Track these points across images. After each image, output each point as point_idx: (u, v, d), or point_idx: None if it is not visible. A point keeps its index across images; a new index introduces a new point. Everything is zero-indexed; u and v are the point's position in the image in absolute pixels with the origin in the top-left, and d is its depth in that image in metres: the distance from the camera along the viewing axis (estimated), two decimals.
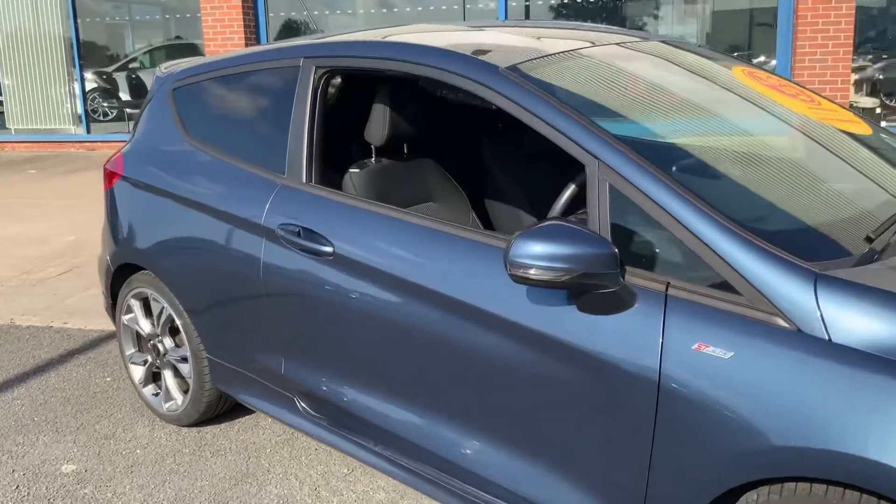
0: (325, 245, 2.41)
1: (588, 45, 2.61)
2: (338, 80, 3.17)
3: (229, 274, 2.73)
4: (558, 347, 1.90)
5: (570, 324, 1.88)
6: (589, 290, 1.84)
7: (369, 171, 2.75)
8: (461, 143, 3.41)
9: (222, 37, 10.16)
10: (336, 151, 2.99)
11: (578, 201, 2.41)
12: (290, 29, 10.95)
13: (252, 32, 10.35)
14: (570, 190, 2.34)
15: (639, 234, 1.90)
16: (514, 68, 2.22)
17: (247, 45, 10.20)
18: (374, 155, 2.81)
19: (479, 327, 2.06)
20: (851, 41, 8.15)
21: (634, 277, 1.85)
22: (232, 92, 2.93)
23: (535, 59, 2.34)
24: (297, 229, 2.49)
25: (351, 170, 2.73)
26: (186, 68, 3.18)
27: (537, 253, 1.79)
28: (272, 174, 2.67)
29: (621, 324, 1.81)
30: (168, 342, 3.18)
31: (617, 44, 2.69)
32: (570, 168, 3.41)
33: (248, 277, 2.65)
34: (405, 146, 2.91)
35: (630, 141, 1.99)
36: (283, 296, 2.56)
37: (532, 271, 1.79)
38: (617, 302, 1.84)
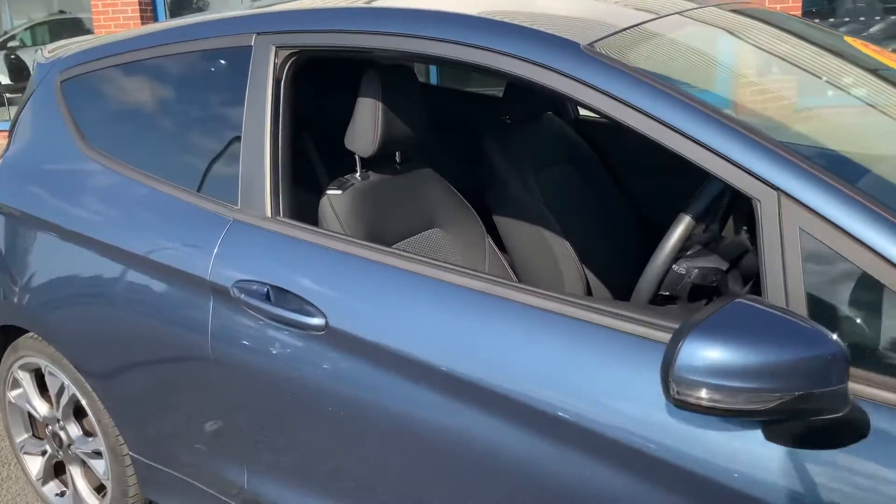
0: (311, 315, 1.62)
1: (656, 15, 1.88)
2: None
3: (160, 346, 1.90)
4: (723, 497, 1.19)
5: (748, 464, 1.17)
6: (795, 417, 1.12)
7: (355, 191, 1.96)
8: (462, 143, 2.64)
9: (113, 9, 8.95)
10: (307, 165, 2.19)
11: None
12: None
13: (148, 2, 9.17)
14: (683, 226, 1.62)
15: (857, 312, 1.20)
16: (591, 47, 1.48)
17: (143, 17, 9.02)
18: (359, 168, 2.02)
19: (581, 454, 1.33)
20: None
21: (858, 383, 1.15)
22: (150, 85, 2.07)
23: (615, 34, 1.60)
24: (265, 289, 1.69)
25: (329, 191, 1.94)
26: (79, 52, 2.27)
27: (720, 364, 1.07)
28: (220, 204, 1.85)
29: (851, 465, 1.12)
30: (74, 430, 2.32)
31: (699, 13, 1.97)
32: (603, 170, 2.73)
33: (190, 352, 1.84)
34: (398, 154, 2.12)
35: (818, 159, 1.28)
36: (246, 381, 1.75)
37: (712, 396, 1.07)
38: (835, 429, 1.14)
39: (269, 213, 1.77)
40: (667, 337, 1.24)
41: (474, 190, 2.92)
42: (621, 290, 2.58)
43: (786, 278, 1.20)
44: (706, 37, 1.83)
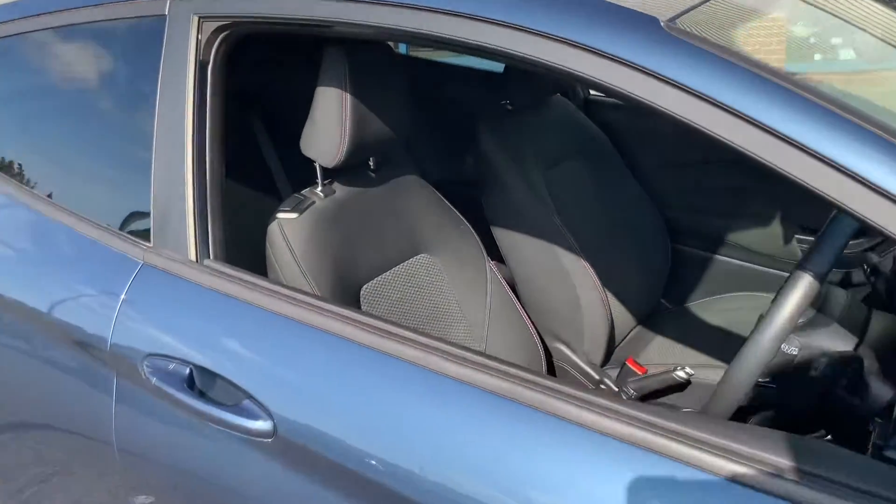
0: (253, 415, 1.12)
1: None
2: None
3: (50, 418, 1.40)
4: None
5: None
6: None
7: (315, 214, 1.45)
8: (447, 126, 2.13)
9: None
10: (248, 180, 1.67)
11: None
12: None
13: None
14: (801, 293, 1.11)
15: None
16: (673, 24, 0.98)
17: None
18: (319, 180, 1.50)
19: None
20: None
21: None
22: (28, 70, 1.51)
23: (693, 7, 1.09)
24: (187, 370, 1.18)
25: (280, 215, 1.42)
26: None
27: None
28: (125, 240, 1.33)
29: None
30: None
31: None
32: (622, 165, 2.23)
33: (86, 441, 1.33)
34: (371, 160, 1.61)
35: None
36: (161, 483, 1.26)
37: None
38: None
39: (192, 255, 1.25)
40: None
41: (462, 183, 2.42)
42: (643, 316, 2.11)
43: None
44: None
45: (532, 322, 1.77)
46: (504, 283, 1.74)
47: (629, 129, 2.26)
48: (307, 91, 1.43)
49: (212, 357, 1.16)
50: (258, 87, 2.00)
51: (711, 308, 2.12)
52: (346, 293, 1.45)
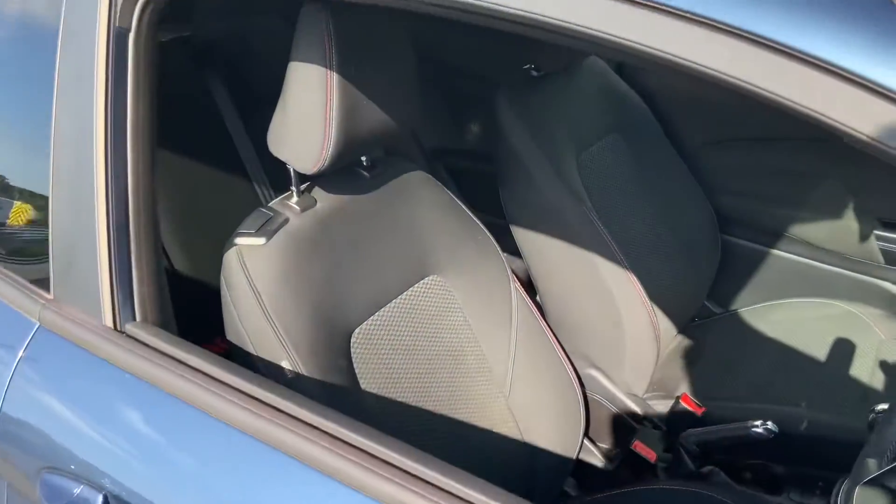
0: None
1: None
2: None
3: None
4: None
5: None
6: None
7: (288, 238, 1.05)
8: (458, 102, 1.72)
9: None
10: (204, 158, 1.28)
11: None
12: None
13: None
14: None
15: None
16: None
17: None
18: (294, 189, 1.10)
19: None
20: None
21: None
22: None
23: None
24: (99, 499, 0.80)
25: (241, 239, 1.03)
26: None
27: None
28: (18, 288, 0.93)
29: None
30: None
31: None
32: (666, 142, 1.82)
33: None
34: (365, 157, 1.20)
35: None
36: None
37: None
38: None
39: (108, 318, 0.86)
40: None
41: (466, 154, 2.02)
42: (686, 322, 1.75)
43: None
44: None
45: (561, 346, 1.41)
46: (532, 306, 1.37)
47: (673, 98, 1.86)
48: (284, 40, 1.02)
49: (133, 483, 0.78)
50: (217, 37, 1.58)
51: (769, 317, 1.76)
52: (331, 344, 1.07)
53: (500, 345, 1.29)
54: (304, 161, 1.02)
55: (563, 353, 1.38)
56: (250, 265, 1.01)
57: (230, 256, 1.02)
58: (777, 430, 1.24)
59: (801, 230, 1.81)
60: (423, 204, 1.26)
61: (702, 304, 1.87)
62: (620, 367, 1.52)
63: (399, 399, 1.15)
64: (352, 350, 1.10)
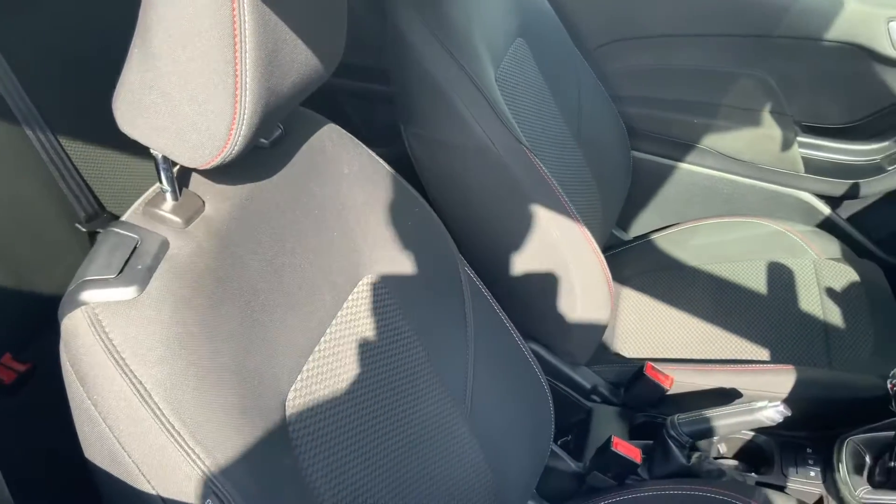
0: None
1: None
2: None
3: None
4: None
5: None
6: None
7: (173, 278, 0.62)
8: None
9: None
10: None
11: None
12: None
13: None
14: None
15: None
16: None
17: None
18: (169, 189, 0.65)
19: None
20: None
21: None
22: None
23: None
24: None
25: (90, 293, 0.59)
26: None
27: None
28: None
29: None
30: None
31: None
32: (577, 53, 1.47)
33: None
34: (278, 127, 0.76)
35: None
36: None
37: None
38: None
39: None
40: None
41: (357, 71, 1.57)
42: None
43: None
44: None
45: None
46: (486, 291, 1.03)
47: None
48: None
49: None
50: None
51: (689, 242, 1.56)
52: (265, 431, 0.67)
53: (456, 354, 0.95)
54: (199, 150, 0.58)
55: (523, 342, 1.06)
56: (116, 338, 0.58)
57: (75, 324, 0.58)
58: (790, 413, 1.03)
59: (715, 140, 1.59)
60: (347, 177, 0.85)
61: (610, 234, 1.63)
62: (567, 335, 1.23)
63: (353, 476, 0.78)
64: (290, 430, 0.71)
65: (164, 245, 0.63)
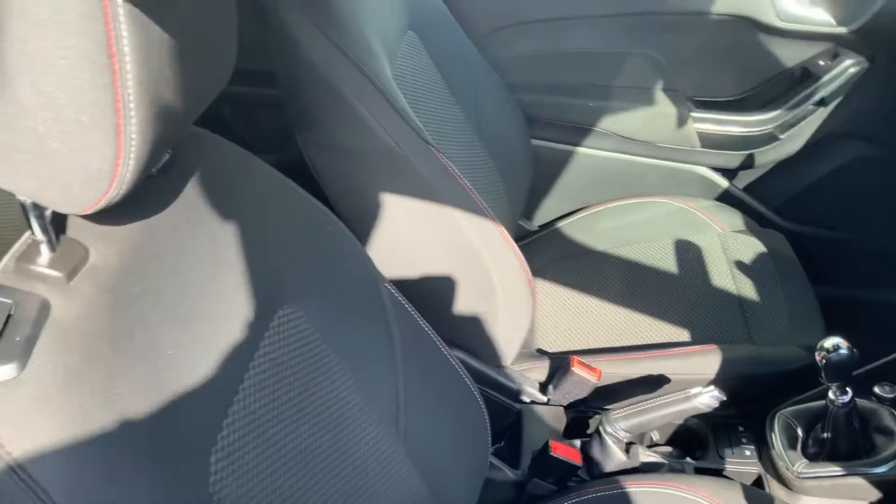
0: None
1: None
2: None
3: None
4: None
5: None
6: None
7: (59, 349, 0.52)
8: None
9: None
10: None
11: None
12: None
13: None
14: None
15: None
16: None
17: None
18: (45, 240, 0.55)
19: None
20: None
21: None
22: None
23: None
24: None
25: None
26: None
27: None
28: None
29: None
30: None
31: None
32: (469, 44, 1.40)
33: None
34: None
35: None
36: None
37: None
38: None
39: None
40: None
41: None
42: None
43: None
44: None
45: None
46: (407, 305, 0.96)
47: None
48: None
49: None
50: None
51: (594, 228, 1.54)
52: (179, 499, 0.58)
53: (384, 377, 0.88)
54: (79, 193, 0.48)
55: (449, 352, 1.00)
56: None
57: None
58: (725, 398, 1.02)
59: (611, 123, 1.58)
60: (248, 199, 0.75)
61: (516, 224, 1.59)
62: (491, 337, 1.19)
63: None
64: (212, 490, 0.62)
65: (45, 307, 0.52)
